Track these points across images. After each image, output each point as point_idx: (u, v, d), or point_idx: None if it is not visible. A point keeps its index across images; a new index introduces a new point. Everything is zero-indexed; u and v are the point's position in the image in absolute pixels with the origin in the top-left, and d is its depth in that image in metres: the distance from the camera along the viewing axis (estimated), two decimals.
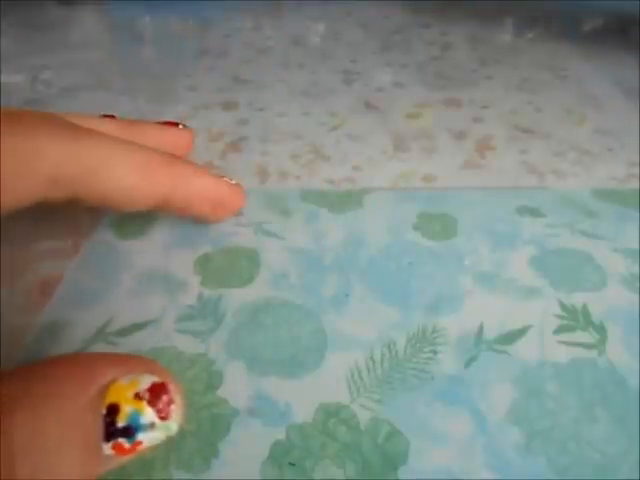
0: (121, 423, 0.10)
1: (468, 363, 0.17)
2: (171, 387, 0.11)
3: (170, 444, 0.15)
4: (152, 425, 0.10)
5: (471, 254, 0.21)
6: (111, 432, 0.10)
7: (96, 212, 0.23)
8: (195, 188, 0.19)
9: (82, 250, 0.21)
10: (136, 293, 0.19)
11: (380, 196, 0.25)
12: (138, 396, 0.10)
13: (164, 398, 0.11)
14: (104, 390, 0.10)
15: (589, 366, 0.17)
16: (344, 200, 0.24)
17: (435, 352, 0.17)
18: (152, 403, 0.10)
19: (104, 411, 0.10)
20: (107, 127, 0.19)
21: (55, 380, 0.10)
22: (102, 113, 0.21)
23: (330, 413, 0.15)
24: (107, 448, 0.10)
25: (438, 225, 0.23)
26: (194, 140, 0.23)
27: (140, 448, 0.11)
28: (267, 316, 0.18)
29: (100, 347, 0.17)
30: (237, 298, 0.19)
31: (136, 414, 0.10)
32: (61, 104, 0.33)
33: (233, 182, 0.21)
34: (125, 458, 0.11)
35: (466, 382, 0.16)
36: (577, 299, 0.19)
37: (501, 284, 0.20)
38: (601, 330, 0.18)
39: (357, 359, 0.17)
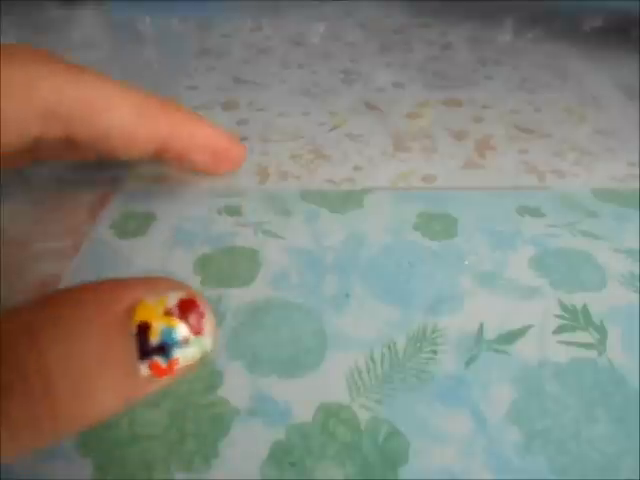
0: (154, 340, 0.10)
1: (468, 363, 0.17)
2: (200, 302, 0.11)
3: (170, 444, 0.15)
4: (186, 341, 0.10)
5: (471, 254, 0.21)
6: (145, 351, 0.10)
7: (96, 212, 0.23)
8: (195, 135, 0.18)
9: (82, 250, 0.21)
10: None
11: (380, 196, 0.25)
12: (168, 312, 0.10)
13: (195, 313, 0.10)
14: (132, 310, 0.10)
15: (589, 366, 0.17)
16: (344, 200, 0.24)
17: (435, 352, 0.17)
18: (183, 318, 0.10)
19: (135, 331, 0.10)
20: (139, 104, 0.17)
21: (82, 304, 0.10)
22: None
23: (330, 413, 0.15)
24: (144, 368, 0.10)
25: (438, 225, 0.23)
26: None
27: (177, 368, 0.10)
28: (267, 316, 0.18)
29: None
30: (237, 298, 0.19)
31: (168, 330, 0.10)
32: None
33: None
34: (164, 381, 0.10)
35: (466, 382, 0.16)
36: (577, 299, 0.19)
37: (501, 284, 0.20)
38: (601, 330, 0.18)
39: (357, 359, 0.17)
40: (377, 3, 0.52)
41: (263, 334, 0.18)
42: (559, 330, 0.18)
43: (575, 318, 0.19)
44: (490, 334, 0.18)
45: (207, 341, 0.11)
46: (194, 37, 0.44)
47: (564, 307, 0.19)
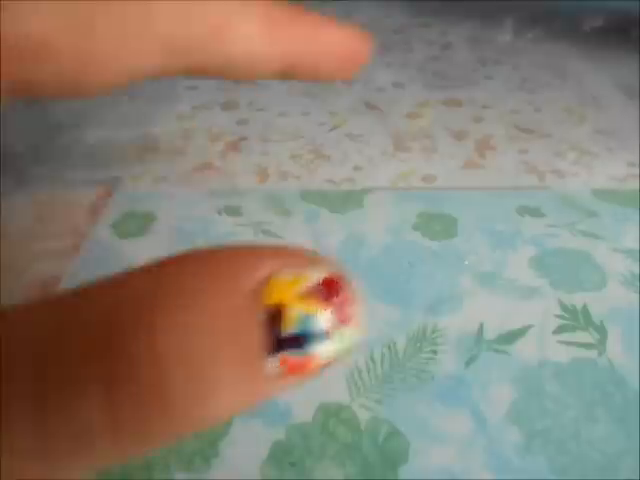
0: (289, 329, 0.07)
1: (468, 363, 0.17)
2: (348, 283, 0.08)
3: (170, 444, 0.15)
4: (328, 332, 0.08)
5: (471, 254, 0.21)
6: (276, 342, 0.07)
7: (96, 212, 0.23)
8: (324, 43, 0.16)
9: (82, 250, 0.21)
10: None
11: (380, 196, 0.25)
12: (307, 294, 0.08)
13: (341, 296, 0.08)
14: (262, 288, 0.08)
15: (589, 366, 0.17)
16: (344, 200, 0.24)
17: (435, 352, 0.17)
18: (326, 303, 0.08)
19: (265, 316, 0.07)
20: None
21: (201, 275, 0.08)
22: None
23: (330, 413, 0.15)
24: (273, 363, 0.07)
25: (438, 225, 0.23)
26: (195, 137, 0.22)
27: (314, 366, 0.08)
28: None
29: None
30: None
31: (307, 318, 0.08)
32: (61, 104, 0.33)
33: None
34: (292, 379, 0.08)
35: (466, 382, 0.16)
36: (577, 299, 0.19)
37: (501, 284, 0.20)
38: (601, 330, 0.18)
39: (357, 359, 0.17)
40: (377, 3, 0.52)
41: None
42: (559, 330, 0.18)
43: (575, 318, 0.19)
44: (490, 334, 0.18)
45: (354, 332, 0.08)
46: None
47: (564, 307, 0.19)
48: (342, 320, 0.08)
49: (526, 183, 0.26)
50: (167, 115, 0.31)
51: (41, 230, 0.22)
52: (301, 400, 0.16)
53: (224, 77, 0.16)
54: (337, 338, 0.08)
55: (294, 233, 0.22)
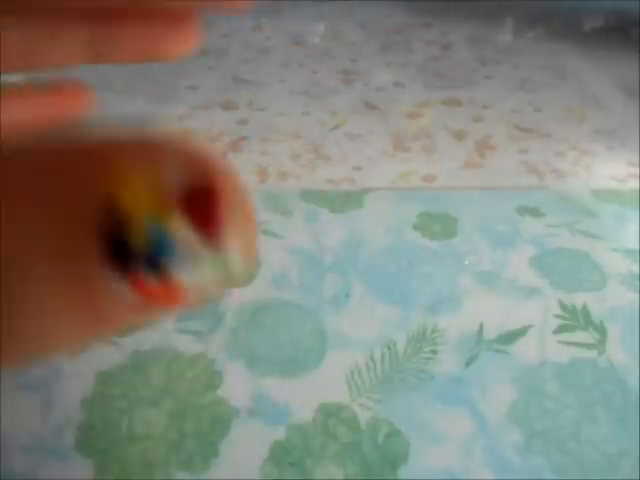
0: (141, 246, 0.06)
1: (468, 363, 0.17)
2: (234, 195, 0.06)
3: (170, 444, 0.15)
4: (194, 251, 0.06)
5: (471, 254, 0.21)
6: (123, 259, 0.06)
7: None
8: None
9: None
10: None
11: (380, 196, 0.25)
12: (168, 204, 0.06)
13: (215, 211, 0.06)
14: (113, 195, 0.06)
15: (589, 366, 0.17)
16: (344, 200, 0.24)
17: (435, 352, 0.17)
18: (191, 213, 0.06)
19: (109, 226, 0.06)
20: None
21: (52, 173, 0.06)
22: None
23: (330, 413, 0.16)
24: (119, 284, 0.06)
25: (438, 225, 0.23)
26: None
27: (179, 293, 0.06)
28: (267, 316, 0.18)
29: (98, 347, 0.17)
30: (237, 298, 0.19)
31: (164, 232, 0.06)
32: None
33: None
34: (154, 308, 0.06)
35: (466, 382, 0.16)
36: (577, 299, 0.19)
37: (501, 284, 0.20)
38: (601, 330, 0.18)
39: (357, 359, 0.17)
40: (377, 3, 0.52)
41: (263, 334, 0.18)
42: (559, 330, 0.18)
43: (575, 318, 0.19)
44: (490, 334, 0.18)
45: (232, 255, 0.06)
46: None
47: (564, 307, 0.19)
48: (213, 240, 0.06)
49: (526, 183, 0.26)
50: (167, 115, 0.31)
51: None
52: (301, 400, 0.16)
53: None
54: (209, 262, 0.06)
55: (294, 233, 0.22)
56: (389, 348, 0.17)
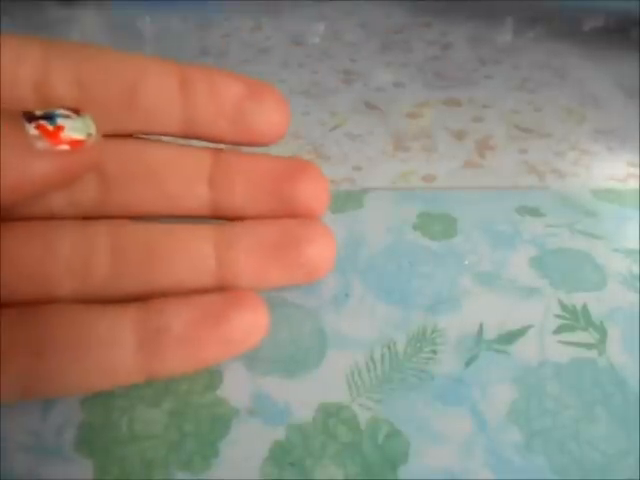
0: (39, 112, 0.11)
1: (468, 363, 0.17)
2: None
3: (170, 444, 0.15)
4: (69, 114, 0.12)
5: (471, 254, 0.21)
6: (31, 117, 0.11)
7: None
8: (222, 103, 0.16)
9: None
10: None
11: (380, 196, 0.25)
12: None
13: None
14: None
15: (589, 366, 0.17)
16: (344, 200, 0.24)
17: (435, 352, 0.17)
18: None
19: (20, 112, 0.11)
20: None
21: None
22: None
23: (330, 413, 0.15)
24: (31, 127, 0.11)
25: (438, 225, 0.23)
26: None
27: (64, 135, 0.11)
28: None
29: None
30: None
31: (51, 109, 0.12)
32: None
33: None
34: (55, 149, 0.11)
35: (466, 382, 0.16)
36: (577, 299, 0.19)
37: (501, 284, 0.20)
38: (601, 330, 0.18)
39: (357, 359, 0.17)
40: (377, 3, 0.52)
41: None
42: (559, 330, 0.18)
43: (575, 318, 0.19)
44: (490, 334, 0.18)
45: (89, 120, 0.12)
46: (194, 37, 0.44)
47: (564, 307, 0.19)
48: (76, 111, 0.12)
49: (526, 183, 0.26)
50: None
51: None
52: (301, 400, 0.16)
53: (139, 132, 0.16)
54: (79, 120, 0.12)
55: None
56: (389, 348, 0.17)
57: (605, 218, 0.23)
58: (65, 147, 0.11)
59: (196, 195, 0.15)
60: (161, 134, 0.15)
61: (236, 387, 0.16)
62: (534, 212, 0.24)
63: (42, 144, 0.11)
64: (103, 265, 0.14)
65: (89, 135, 0.12)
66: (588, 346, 0.18)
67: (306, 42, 0.43)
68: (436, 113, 0.32)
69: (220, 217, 0.16)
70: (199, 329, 0.14)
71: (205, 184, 0.15)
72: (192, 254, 0.15)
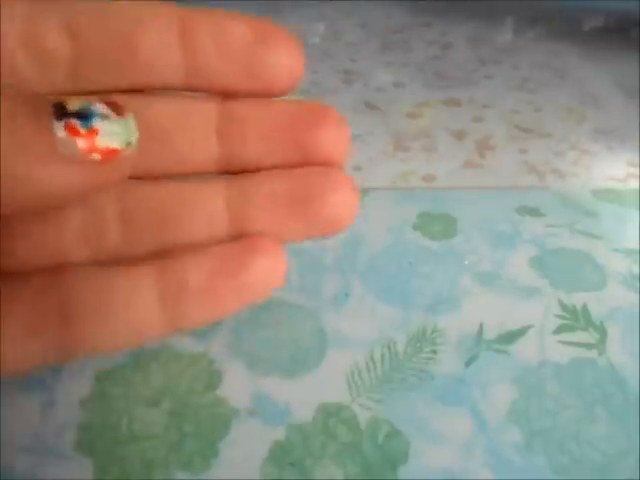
0: (72, 107, 0.09)
1: (468, 363, 0.17)
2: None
3: (170, 444, 0.15)
4: (107, 116, 0.09)
5: (471, 254, 0.21)
6: (61, 114, 0.09)
7: None
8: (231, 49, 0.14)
9: None
10: None
11: (380, 196, 0.25)
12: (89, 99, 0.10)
13: (114, 104, 0.10)
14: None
15: (589, 366, 0.17)
16: None
17: (435, 352, 0.17)
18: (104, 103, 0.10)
19: (54, 100, 0.09)
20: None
21: None
22: None
23: (330, 413, 0.15)
24: (59, 127, 0.09)
25: (438, 225, 0.23)
26: None
27: (98, 142, 0.09)
28: (267, 316, 0.18)
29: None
30: None
31: (86, 102, 0.09)
32: None
33: None
34: (84, 158, 0.09)
35: (466, 382, 0.16)
36: (577, 299, 0.19)
37: (501, 284, 0.20)
38: (601, 330, 0.18)
39: (357, 359, 0.17)
40: (377, 3, 0.52)
41: (263, 334, 0.18)
42: (559, 330, 0.18)
43: (575, 318, 0.19)
44: (490, 334, 0.18)
45: (131, 124, 0.10)
46: None
47: (564, 307, 0.19)
48: (119, 113, 0.10)
49: (526, 183, 0.26)
50: None
51: None
52: (301, 400, 0.16)
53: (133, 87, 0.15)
54: (118, 124, 0.09)
55: None
56: (389, 348, 0.17)
57: (605, 218, 0.23)
58: (96, 156, 0.09)
59: (204, 150, 0.14)
60: (163, 87, 0.14)
61: (236, 387, 0.16)
62: (534, 212, 0.24)
63: (68, 150, 0.09)
64: (114, 231, 0.14)
65: (128, 145, 0.10)
66: (588, 346, 0.18)
67: (306, 42, 0.43)
68: (436, 113, 0.32)
69: (233, 172, 0.15)
70: (218, 278, 0.14)
71: (213, 137, 0.14)
72: (204, 212, 0.14)
